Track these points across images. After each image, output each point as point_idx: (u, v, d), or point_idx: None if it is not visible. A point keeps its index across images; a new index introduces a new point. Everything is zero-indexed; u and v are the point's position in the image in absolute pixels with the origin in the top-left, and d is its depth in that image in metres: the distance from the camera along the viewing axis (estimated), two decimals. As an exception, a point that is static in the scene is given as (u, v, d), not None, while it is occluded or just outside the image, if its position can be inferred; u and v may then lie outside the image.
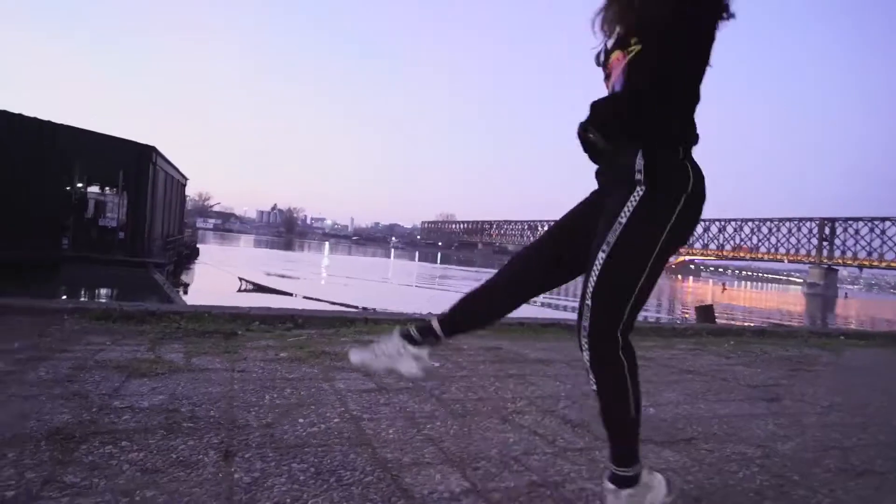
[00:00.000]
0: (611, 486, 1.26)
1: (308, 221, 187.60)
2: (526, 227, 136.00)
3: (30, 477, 1.27)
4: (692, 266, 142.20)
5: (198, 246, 32.23)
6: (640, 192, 1.15)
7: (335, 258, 52.62)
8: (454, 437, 1.88)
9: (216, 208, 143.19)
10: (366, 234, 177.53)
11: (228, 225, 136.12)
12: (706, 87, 1.22)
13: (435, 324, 1.43)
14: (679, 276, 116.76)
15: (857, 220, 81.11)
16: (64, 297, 13.17)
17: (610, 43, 1.31)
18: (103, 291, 14.90)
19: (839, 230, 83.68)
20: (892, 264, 77.44)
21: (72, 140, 16.73)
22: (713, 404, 2.74)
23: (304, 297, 16.89)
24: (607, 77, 1.29)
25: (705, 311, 10.03)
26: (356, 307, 15.20)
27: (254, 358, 2.85)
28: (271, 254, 48.30)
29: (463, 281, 32.35)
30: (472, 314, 1.47)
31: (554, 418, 2.21)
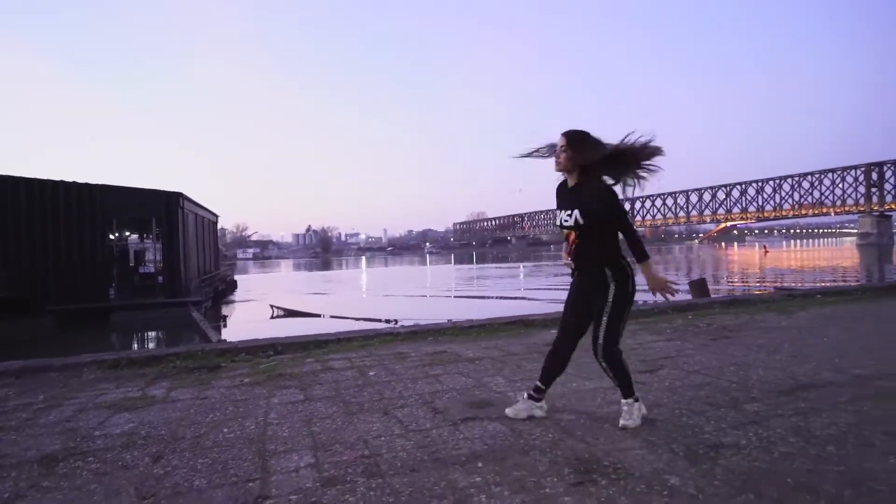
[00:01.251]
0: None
1: (342, 238, 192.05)
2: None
3: (21, 485, 2.03)
4: (735, 232, 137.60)
5: (234, 278, 34.01)
6: (614, 287, 2.41)
7: (372, 272, 53.99)
8: (332, 430, 2.55)
9: (254, 237, 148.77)
10: (400, 244, 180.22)
11: (267, 252, 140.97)
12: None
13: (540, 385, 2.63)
14: (722, 244, 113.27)
15: (905, 161, 77.00)
16: (87, 351, 14.54)
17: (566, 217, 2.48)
18: (151, 334, 16.34)
19: (888, 174, 79.49)
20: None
21: (108, 197, 18.46)
22: (586, 381, 3.30)
23: (332, 317, 17.92)
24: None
25: (699, 286, 10.32)
26: (380, 320, 16.13)
27: (220, 385, 3.59)
28: (309, 276, 50.09)
29: (500, 280, 32.82)
30: (553, 369, 2.65)
31: (426, 409, 2.85)
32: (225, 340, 11.25)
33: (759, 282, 25.60)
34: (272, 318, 19.06)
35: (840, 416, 2.43)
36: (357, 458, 2.17)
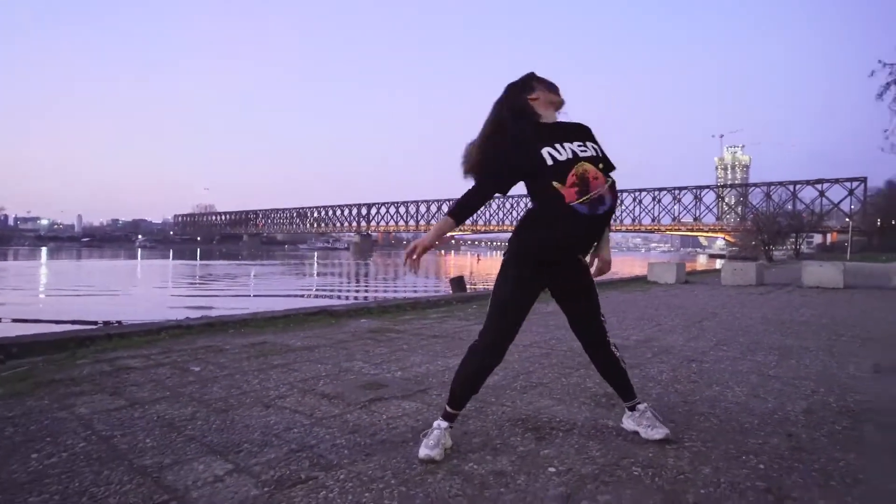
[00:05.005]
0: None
1: (11, 222, 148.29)
2: (295, 214, 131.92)
3: None
4: (453, 241, 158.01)
5: None
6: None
7: (56, 266, 42.55)
8: (217, 430, 2.01)
9: None
10: (102, 234, 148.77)
11: None
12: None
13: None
14: (442, 252, 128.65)
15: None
16: None
17: (568, 150, 1.69)
18: None
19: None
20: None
21: None
22: (448, 360, 3.38)
23: (15, 321, 13.59)
24: (577, 179, 1.65)
25: (458, 282, 11.55)
26: (95, 322, 12.95)
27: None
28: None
29: (224, 280, 29.84)
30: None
31: (313, 396, 2.50)
32: None
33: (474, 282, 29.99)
34: None
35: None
36: (289, 453, 1.76)
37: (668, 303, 7.15)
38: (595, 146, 1.76)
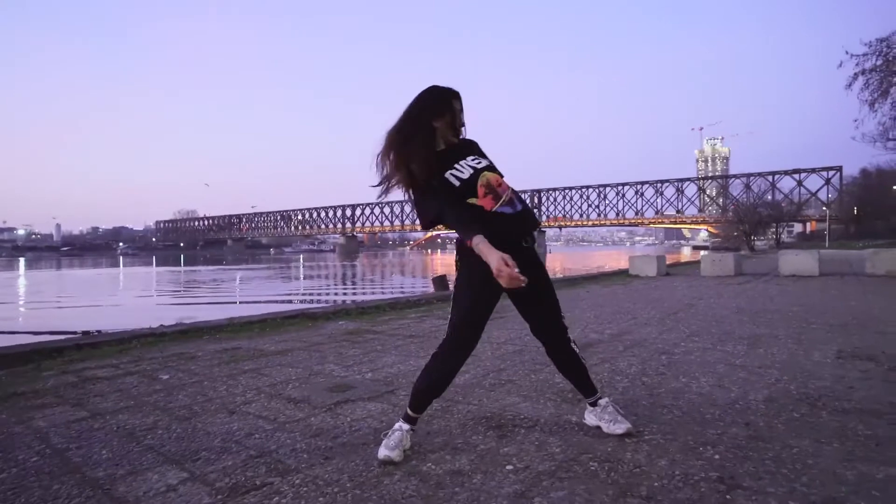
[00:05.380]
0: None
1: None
2: (279, 217, 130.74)
3: None
4: (439, 240, 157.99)
5: None
6: None
7: (36, 276, 41.62)
8: (177, 439, 1.98)
9: None
10: (82, 243, 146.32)
11: None
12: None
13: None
14: (429, 251, 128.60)
15: (554, 190, 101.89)
16: None
17: (466, 167, 1.76)
18: None
19: (544, 198, 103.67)
20: (578, 223, 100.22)
21: None
22: (421, 360, 3.37)
23: (-5, 332, 13.26)
24: (486, 189, 1.73)
25: (440, 281, 11.54)
26: (74, 332, 12.67)
27: None
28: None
29: (209, 285, 29.49)
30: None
31: (280, 400, 2.47)
32: None
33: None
34: None
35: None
36: (247, 459, 1.74)
37: (646, 296, 7.22)
38: (485, 157, 1.85)
